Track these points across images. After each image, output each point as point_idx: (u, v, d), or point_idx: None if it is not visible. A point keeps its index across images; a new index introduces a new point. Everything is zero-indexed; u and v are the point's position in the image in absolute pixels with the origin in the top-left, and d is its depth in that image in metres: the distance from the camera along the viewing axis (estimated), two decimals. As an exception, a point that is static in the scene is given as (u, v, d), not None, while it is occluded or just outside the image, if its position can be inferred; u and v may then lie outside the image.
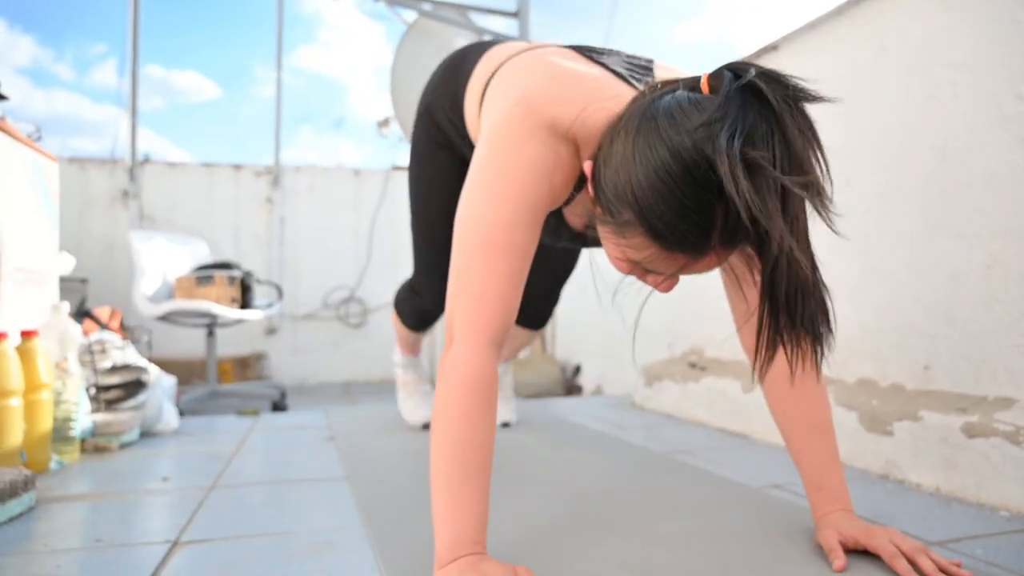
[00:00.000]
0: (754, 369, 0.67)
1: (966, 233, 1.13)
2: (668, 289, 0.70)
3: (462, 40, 3.80)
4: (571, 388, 2.99)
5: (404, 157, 4.84)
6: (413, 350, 1.61)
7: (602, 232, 0.68)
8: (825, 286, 0.64)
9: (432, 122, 1.08)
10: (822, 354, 0.66)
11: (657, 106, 0.61)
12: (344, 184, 4.16)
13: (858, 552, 0.74)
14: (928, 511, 0.96)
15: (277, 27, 4.18)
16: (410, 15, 3.77)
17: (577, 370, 3.00)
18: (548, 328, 3.31)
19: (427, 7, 3.71)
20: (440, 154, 1.10)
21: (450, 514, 0.66)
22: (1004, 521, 0.90)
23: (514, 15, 3.82)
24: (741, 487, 1.09)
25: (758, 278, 0.62)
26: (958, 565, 0.69)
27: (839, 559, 0.71)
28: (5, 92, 1.53)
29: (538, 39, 3.88)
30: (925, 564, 0.68)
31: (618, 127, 0.64)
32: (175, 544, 0.85)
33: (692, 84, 0.63)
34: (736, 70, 0.60)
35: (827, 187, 0.61)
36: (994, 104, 1.08)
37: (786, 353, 0.64)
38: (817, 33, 1.47)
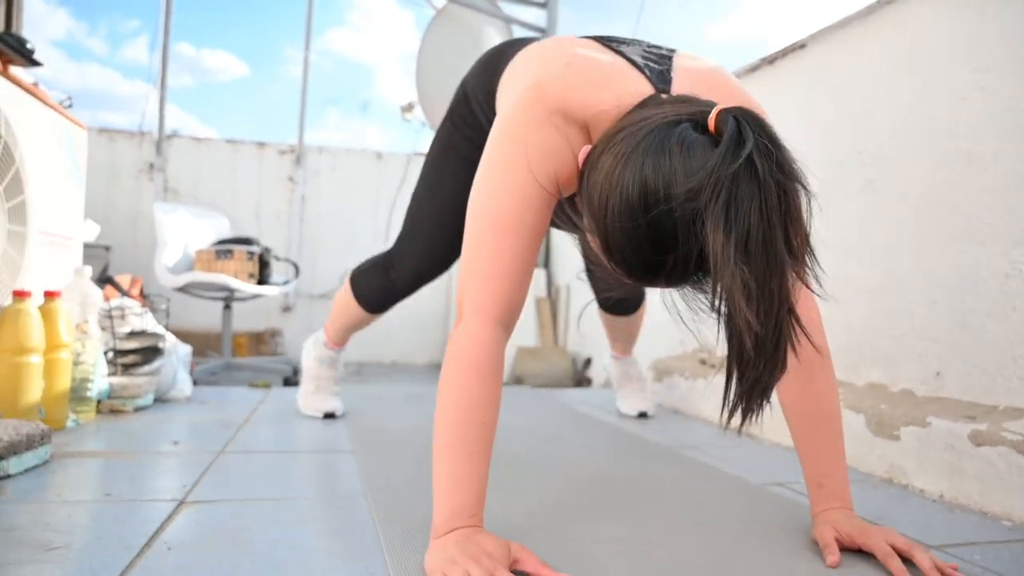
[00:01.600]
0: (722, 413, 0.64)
1: (987, 240, 1.11)
2: None
3: (489, 28, 3.80)
4: (581, 380, 3.00)
5: (426, 143, 4.86)
6: (342, 342, 1.53)
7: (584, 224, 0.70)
8: (778, 357, 0.60)
9: (467, 106, 1.08)
10: (753, 411, 0.62)
11: (655, 138, 0.60)
12: (366, 166, 4.18)
13: (853, 551, 0.74)
14: (930, 516, 0.95)
15: (307, 5, 4.21)
16: (440, 2, 3.77)
17: (588, 363, 3.01)
18: (560, 320, 3.32)
19: (456, -7, 3.71)
20: (463, 144, 1.10)
21: (450, 488, 0.68)
22: (1006, 530, 0.90)
23: (543, 5, 3.80)
24: (743, 482, 1.09)
25: None
26: (955, 568, 0.69)
27: (833, 555, 0.71)
28: (38, 59, 1.56)
29: (566, 30, 3.87)
30: (922, 560, 0.68)
31: (614, 138, 0.64)
32: (181, 503, 0.88)
33: (698, 118, 0.61)
34: (740, 120, 0.58)
35: (803, 267, 0.61)
36: (1014, 108, 1.06)
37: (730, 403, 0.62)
38: (846, 32, 1.45)
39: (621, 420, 1.64)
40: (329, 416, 1.51)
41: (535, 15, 3.83)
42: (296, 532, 0.79)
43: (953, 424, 1.04)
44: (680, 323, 0.68)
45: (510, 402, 1.81)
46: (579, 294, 3.12)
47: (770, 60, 1.69)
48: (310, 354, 1.56)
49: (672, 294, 0.69)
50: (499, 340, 0.74)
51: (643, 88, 0.75)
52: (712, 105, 0.62)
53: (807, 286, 0.63)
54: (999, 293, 1.09)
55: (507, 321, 0.75)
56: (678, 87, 0.76)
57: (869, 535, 0.72)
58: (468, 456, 0.68)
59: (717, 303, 0.58)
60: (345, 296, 1.41)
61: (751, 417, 0.62)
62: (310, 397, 1.54)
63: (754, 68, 1.75)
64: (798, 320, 0.60)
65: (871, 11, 1.38)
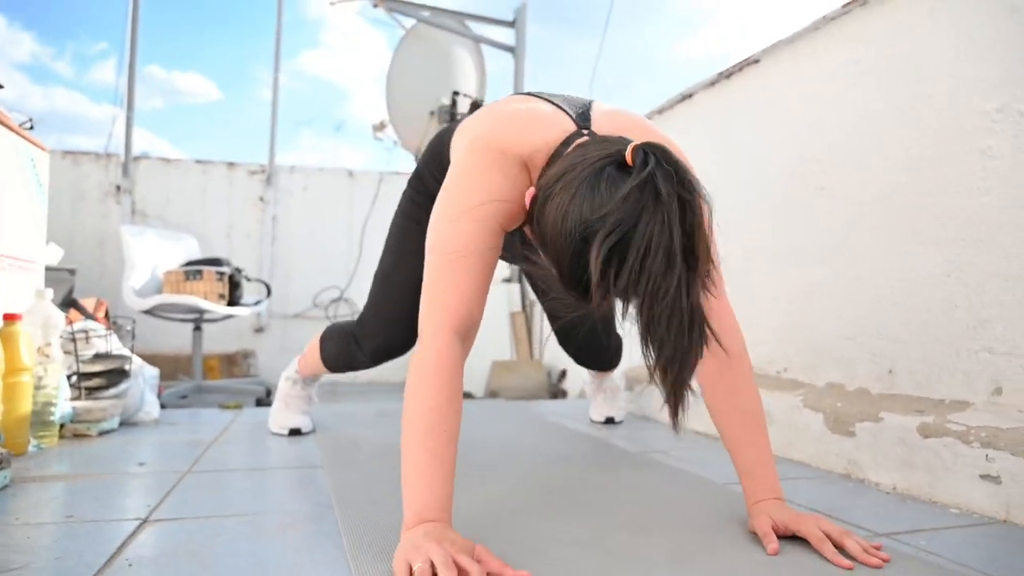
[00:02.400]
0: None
1: (930, 241, 1.16)
2: None
3: (459, 47, 3.85)
4: (556, 392, 3.01)
5: (398, 162, 4.88)
6: (316, 377, 1.56)
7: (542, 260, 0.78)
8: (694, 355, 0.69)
9: (421, 183, 1.16)
10: (679, 408, 0.72)
11: (586, 183, 0.69)
12: (338, 185, 4.19)
13: (788, 538, 0.78)
14: (882, 507, 0.99)
15: (276, 21, 4.22)
16: (410, 22, 3.82)
17: (563, 375, 3.03)
18: (535, 333, 3.34)
19: (426, 14, 3.76)
20: (423, 215, 1.14)
21: (418, 490, 0.71)
22: (953, 517, 0.93)
23: (511, 24, 3.87)
24: (706, 482, 1.11)
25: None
26: (878, 548, 0.75)
27: (772, 543, 0.76)
28: (0, 81, 1.55)
29: (534, 49, 3.93)
30: (852, 546, 0.74)
31: (556, 186, 0.72)
32: (144, 521, 0.87)
33: (618, 157, 0.70)
34: (648, 152, 0.68)
35: (706, 272, 0.69)
36: (955, 117, 1.12)
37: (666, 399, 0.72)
38: (795, 47, 1.51)
39: (591, 428, 1.66)
40: (295, 432, 1.50)
41: (504, 34, 3.89)
42: (261, 545, 0.79)
43: (904, 418, 1.08)
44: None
45: (483, 414, 1.83)
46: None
47: (727, 75, 1.75)
48: (283, 376, 1.58)
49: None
50: (458, 352, 0.79)
51: (567, 125, 0.85)
52: (626, 142, 0.72)
53: (708, 289, 0.70)
54: (942, 292, 1.14)
55: (465, 334, 0.81)
56: (597, 123, 0.86)
57: (803, 522, 0.77)
58: (435, 461, 0.72)
59: (629, 311, 0.68)
60: (314, 350, 1.45)
61: (680, 410, 0.71)
62: (279, 415, 1.55)
63: (712, 83, 1.81)
64: (703, 319, 0.68)
65: (818, 27, 1.44)
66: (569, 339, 1.49)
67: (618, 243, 0.65)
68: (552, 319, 1.46)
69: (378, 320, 1.27)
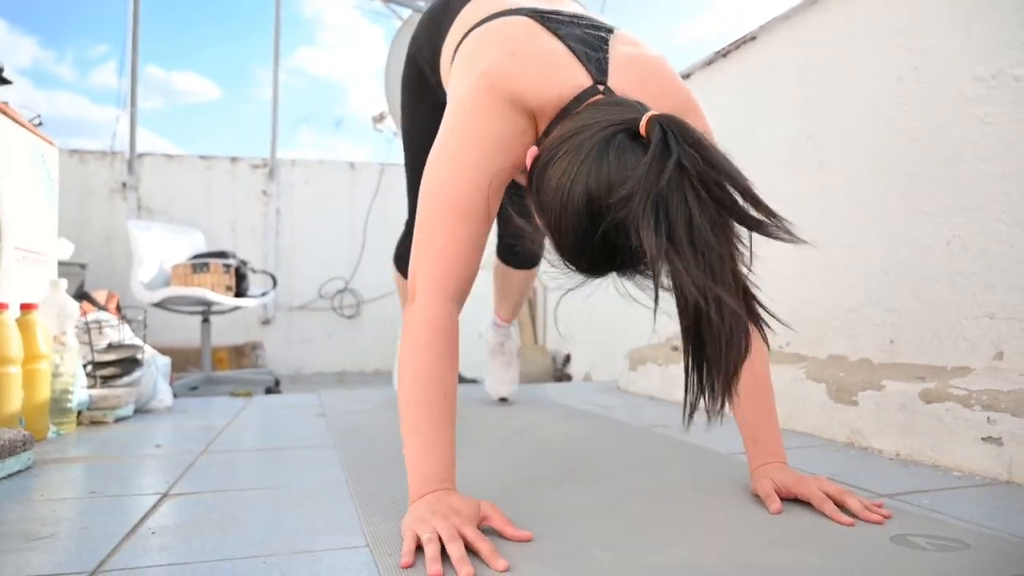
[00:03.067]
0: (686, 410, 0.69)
1: (931, 210, 1.17)
2: None
3: (457, 35, 3.85)
4: (561, 377, 3.04)
5: (398, 152, 4.88)
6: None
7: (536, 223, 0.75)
8: (740, 328, 0.65)
9: (416, 70, 1.15)
10: (723, 400, 0.68)
11: (594, 150, 0.65)
12: (339, 177, 4.20)
13: (791, 500, 0.80)
14: (885, 472, 1.00)
15: (275, 13, 4.23)
16: (407, 13, 3.81)
17: (567, 359, 3.05)
18: (539, 318, 3.36)
19: (422, 3, 3.76)
20: (422, 104, 1.17)
21: (420, 456, 0.72)
22: (955, 479, 0.95)
23: (509, 11, 3.86)
24: (711, 453, 1.13)
25: None
26: (879, 506, 0.76)
27: (775, 503, 0.77)
28: (8, 77, 1.58)
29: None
30: (853, 503, 0.75)
31: (560, 149, 0.68)
32: (164, 496, 0.90)
33: (631, 127, 0.66)
34: (665, 127, 0.64)
35: (741, 252, 0.65)
36: (954, 85, 1.13)
37: (695, 391, 0.68)
38: (791, 23, 1.52)
39: (598, 408, 1.68)
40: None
41: (502, 22, 3.88)
42: (279, 514, 0.81)
43: (905, 385, 1.10)
44: (649, 311, 0.70)
45: (487, 396, 1.85)
46: (557, 293, 3.17)
47: (723, 53, 1.76)
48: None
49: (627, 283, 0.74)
50: (453, 315, 0.78)
51: (582, 79, 0.78)
52: (642, 110, 0.68)
53: (744, 268, 0.67)
54: (944, 260, 1.15)
55: (459, 298, 0.79)
56: (613, 78, 0.80)
57: (804, 484, 0.78)
58: (434, 426, 0.73)
59: (656, 296, 0.64)
60: (398, 279, 1.51)
61: (728, 396, 0.67)
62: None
63: (709, 62, 1.82)
64: (755, 298, 0.65)
65: (813, 2, 1.45)
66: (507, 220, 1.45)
67: (639, 218, 0.61)
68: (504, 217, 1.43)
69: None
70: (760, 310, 0.69)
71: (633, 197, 0.61)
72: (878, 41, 1.29)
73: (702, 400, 0.67)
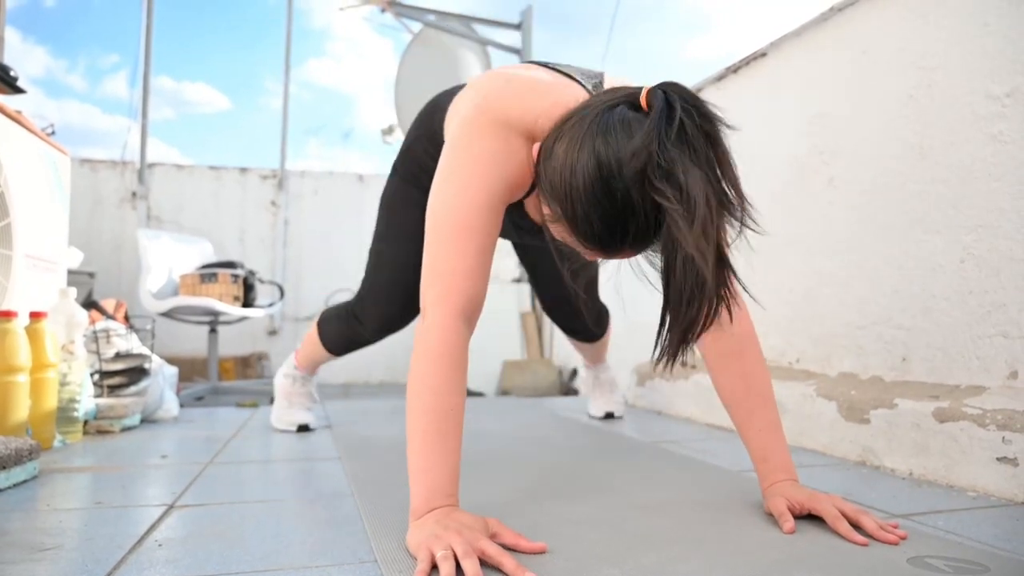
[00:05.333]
0: (653, 356, 0.71)
1: (942, 228, 1.17)
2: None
3: (465, 50, 3.88)
4: (567, 391, 3.02)
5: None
6: (314, 370, 1.54)
7: (546, 213, 0.76)
8: (725, 297, 0.67)
9: (412, 158, 1.13)
10: (679, 355, 0.69)
11: (599, 121, 0.68)
12: (348, 189, 4.23)
13: (804, 518, 0.78)
14: (898, 491, 0.99)
15: (286, 25, 4.27)
16: (417, 27, 3.85)
17: (574, 373, 3.03)
18: (546, 332, 3.35)
19: (432, 18, 3.80)
20: (412, 193, 1.14)
21: (425, 471, 0.72)
22: (970, 500, 0.93)
23: (517, 27, 3.89)
24: (719, 470, 1.12)
25: None
26: (895, 526, 0.75)
27: (788, 522, 0.76)
28: (22, 86, 1.59)
29: (540, 51, 3.95)
30: (868, 523, 0.74)
31: (563, 128, 0.71)
32: (171, 507, 0.89)
33: (633, 99, 0.69)
34: (668, 92, 0.66)
35: (740, 208, 0.67)
36: (967, 103, 1.13)
37: (665, 346, 0.69)
38: (803, 39, 1.52)
39: (601, 422, 1.67)
40: (303, 428, 1.51)
41: (510, 37, 3.92)
42: (285, 528, 0.81)
43: (918, 404, 1.08)
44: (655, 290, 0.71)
45: (496, 410, 1.84)
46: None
47: (734, 69, 1.76)
48: (281, 374, 1.56)
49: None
50: (463, 333, 0.78)
51: (579, 94, 0.81)
52: (642, 87, 0.69)
53: (745, 225, 0.68)
54: (956, 278, 1.14)
55: (470, 315, 0.80)
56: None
57: (818, 501, 0.78)
58: (440, 441, 0.72)
59: (667, 253, 0.64)
60: (313, 337, 1.44)
61: (682, 352, 0.68)
62: (283, 412, 1.54)
63: (720, 77, 1.82)
64: (730, 267, 0.67)
65: (825, 18, 1.45)
66: (556, 306, 1.47)
67: (646, 181, 0.63)
68: (540, 287, 1.44)
69: (376, 295, 1.26)
70: (735, 283, 0.70)
71: (644, 160, 0.63)
72: (890, 58, 1.29)
73: (659, 348, 0.69)
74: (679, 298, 0.65)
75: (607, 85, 0.86)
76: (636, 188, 0.64)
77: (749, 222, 0.67)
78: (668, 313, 0.67)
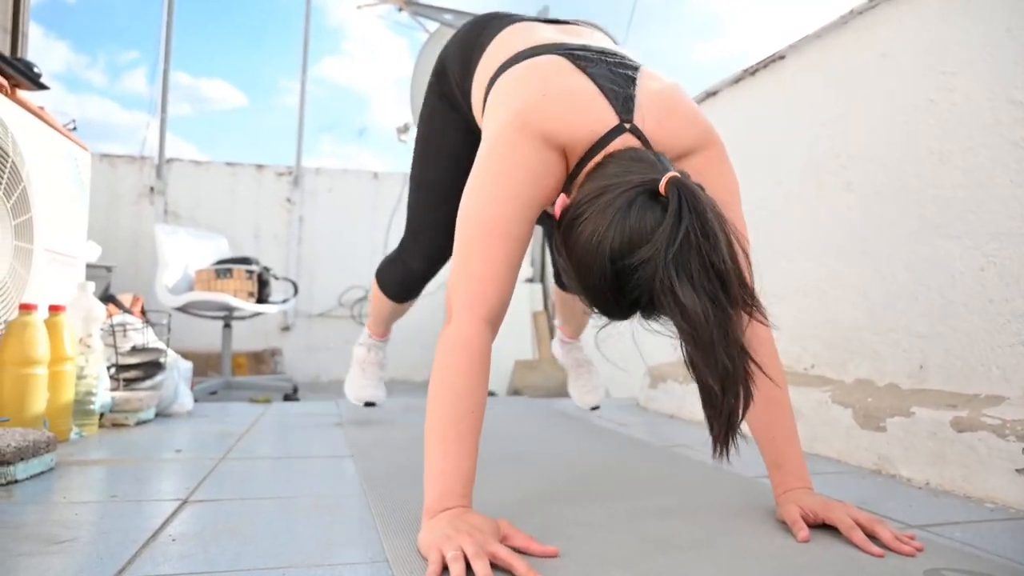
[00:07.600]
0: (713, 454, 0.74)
1: (961, 234, 1.15)
2: None
3: (482, 49, 3.88)
4: (578, 392, 3.02)
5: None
6: (384, 333, 1.59)
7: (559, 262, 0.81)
8: (749, 379, 0.70)
9: (445, 78, 1.16)
10: (731, 441, 0.73)
11: (619, 212, 0.71)
12: (363, 186, 4.24)
13: (818, 526, 0.78)
14: (915, 501, 0.98)
15: (304, 23, 4.30)
16: (434, 26, 3.86)
17: (585, 374, 3.03)
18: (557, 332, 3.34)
19: (449, 17, 3.80)
20: (449, 113, 1.17)
21: (440, 471, 0.72)
22: (988, 511, 0.92)
23: (534, 26, 3.88)
24: (733, 475, 1.11)
25: None
26: (912, 537, 0.74)
27: (803, 531, 0.75)
28: (45, 82, 1.61)
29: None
30: (884, 534, 0.73)
31: (588, 208, 0.74)
32: (185, 502, 0.90)
33: (651, 187, 0.71)
34: (681, 192, 0.69)
35: (749, 306, 0.70)
36: (988, 108, 1.11)
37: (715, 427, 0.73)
38: (822, 42, 1.51)
39: (616, 425, 1.66)
40: (369, 405, 1.55)
41: (526, 36, 3.91)
42: (297, 524, 0.81)
43: (936, 412, 1.07)
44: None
45: (507, 411, 1.84)
46: (575, 307, 3.16)
47: (752, 72, 1.75)
48: (357, 343, 1.63)
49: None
50: (487, 337, 0.80)
51: (609, 118, 0.83)
52: (662, 168, 0.73)
53: (758, 319, 0.72)
54: (976, 286, 1.12)
55: (495, 320, 0.82)
56: (639, 115, 0.84)
57: (832, 509, 0.77)
58: (458, 442, 0.73)
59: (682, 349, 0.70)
60: (375, 292, 1.50)
61: (730, 445, 0.73)
62: (356, 385, 1.59)
63: (737, 80, 1.81)
64: (750, 357, 0.70)
65: (845, 21, 1.44)
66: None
67: (649, 278, 0.68)
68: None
69: (417, 232, 1.30)
70: (753, 367, 0.71)
71: (654, 257, 0.68)
72: (910, 62, 1.27)
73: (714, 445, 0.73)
74: (708, 397, 0.69)
75: (639, 96, 0.85)
76: (644, 279, 0.69)
77: (758, 315, 0.72)
78: (705, 410, 0.71)
